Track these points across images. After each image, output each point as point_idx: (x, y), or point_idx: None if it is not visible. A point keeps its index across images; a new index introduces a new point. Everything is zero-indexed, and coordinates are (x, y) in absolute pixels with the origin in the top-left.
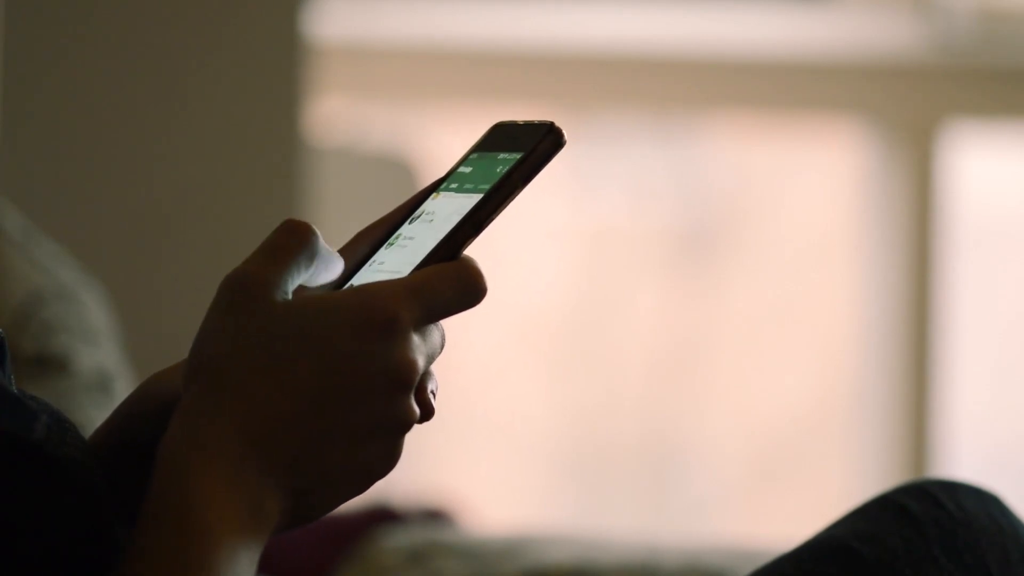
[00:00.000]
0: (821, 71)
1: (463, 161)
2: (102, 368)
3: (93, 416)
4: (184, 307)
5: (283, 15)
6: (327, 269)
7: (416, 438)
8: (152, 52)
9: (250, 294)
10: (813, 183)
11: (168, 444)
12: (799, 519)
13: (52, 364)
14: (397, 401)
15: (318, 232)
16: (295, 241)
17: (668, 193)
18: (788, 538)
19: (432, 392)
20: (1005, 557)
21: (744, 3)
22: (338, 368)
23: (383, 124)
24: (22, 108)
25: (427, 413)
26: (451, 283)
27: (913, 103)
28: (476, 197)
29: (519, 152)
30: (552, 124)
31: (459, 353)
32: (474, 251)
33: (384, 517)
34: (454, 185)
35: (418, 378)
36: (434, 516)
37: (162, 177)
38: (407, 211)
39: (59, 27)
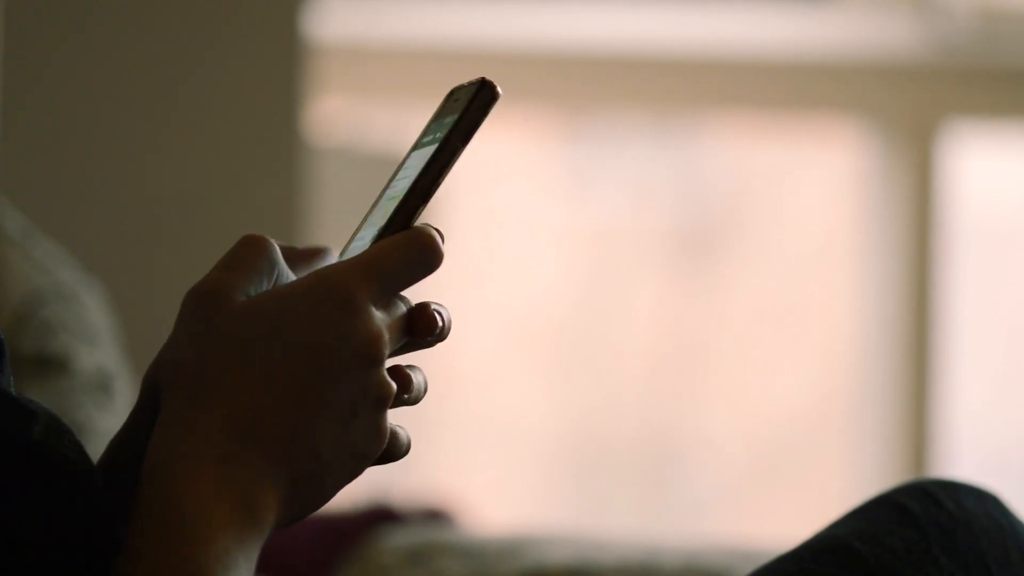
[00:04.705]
0: (821, 71)
1: (425, 131)
2: (102, 368)
3: (93, 416)
4: None
5: (283, 15)
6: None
7: (416, 438)
8: (152, 52)
9: (212, 300)
10: (813, 183)
11: (153, 453)
12: (799, 519)
13: (52, 364)
14: (370, 376)
15: (275, 244)
16: (253, 252)
17: (668, 193)
18: (788, 538)
19: (411, 371)
20: (1005, 557)
21: (744, 3)
22: (306, 352)
23: (383, 124)
24: (22, 108)
25: (406, 387)
26: (402, 253)
27: (913, 103)
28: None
29: (457, 113)
30: (483, 80)
31: (459, 353)
32: (474, 249)
33: (384, 517)
34: (414, 154)
35: (387, 350)
36: (434, 516)
37: (162, 177)
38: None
39: (59, 27)
